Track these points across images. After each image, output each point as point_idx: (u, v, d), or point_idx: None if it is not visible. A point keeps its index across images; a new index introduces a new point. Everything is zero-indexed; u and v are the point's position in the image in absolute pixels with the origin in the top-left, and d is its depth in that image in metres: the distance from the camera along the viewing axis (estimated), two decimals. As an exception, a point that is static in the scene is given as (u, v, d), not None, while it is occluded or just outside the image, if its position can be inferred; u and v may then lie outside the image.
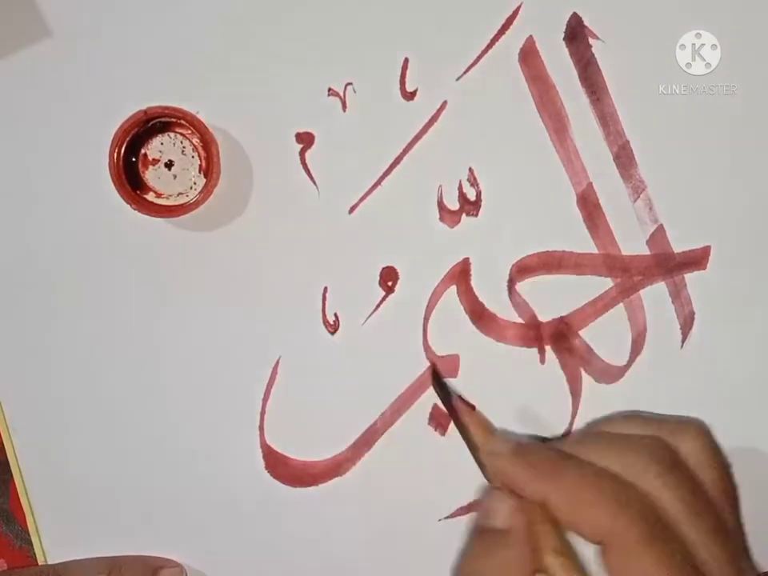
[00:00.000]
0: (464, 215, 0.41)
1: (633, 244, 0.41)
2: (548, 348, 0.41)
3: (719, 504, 0.32)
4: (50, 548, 0.43)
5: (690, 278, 0.41)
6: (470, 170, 0.41)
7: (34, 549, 0.43)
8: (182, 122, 0.40)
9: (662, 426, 0.33)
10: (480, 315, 0.41)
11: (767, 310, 0.41)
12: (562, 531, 0.31)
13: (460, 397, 0.39)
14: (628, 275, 0.41)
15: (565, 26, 0.40)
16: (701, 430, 0.33)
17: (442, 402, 0.40)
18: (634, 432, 0.33)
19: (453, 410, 0.38)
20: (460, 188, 0.41)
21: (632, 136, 0.41)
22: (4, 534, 0.43)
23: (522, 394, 0.41)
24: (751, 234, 0.41)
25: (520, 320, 0.41)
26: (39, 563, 0.42)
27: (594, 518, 0.30)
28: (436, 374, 0.41)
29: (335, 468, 0.42)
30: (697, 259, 0.41)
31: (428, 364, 0.41)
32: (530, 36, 0.40)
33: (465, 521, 0.41)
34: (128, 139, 0.40)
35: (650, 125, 0.40)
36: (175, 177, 0.41)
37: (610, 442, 0.33)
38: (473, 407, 0.39)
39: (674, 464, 0.32)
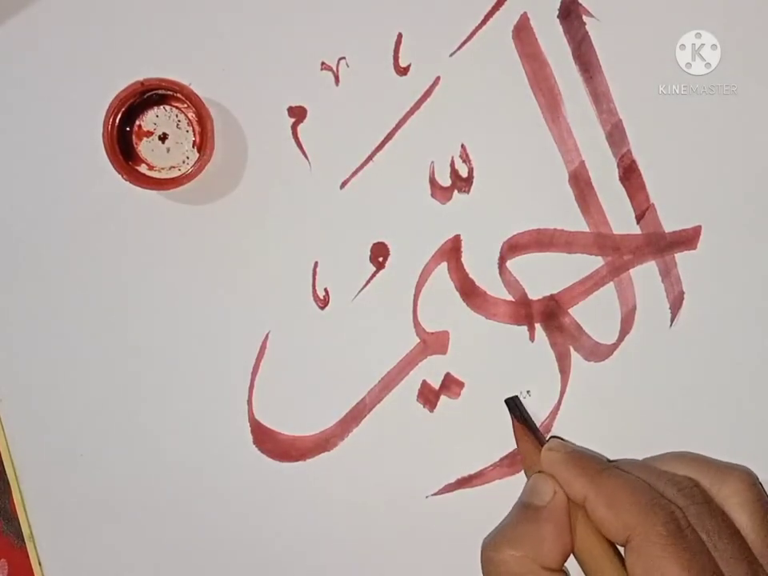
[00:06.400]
0: (456, 192, 0.41)
1: (624, 223, 0.41)
2: (538, 326, 0.41)
3: (757, 548, 0.32)
4: (45, 546, 0.43)
5: (681, 257, 0.41)
6: (462, 146, 0.41)
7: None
8: (179, 95, 0.40)
9: (710, 466, 0.35)
10: (470, 292, 0.41)
11: (757, 291, 0.41)
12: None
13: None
14: (618, 254, 0.41)
15: (559, 3, 0.40)
16: (747, 474, 0.34)
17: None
18: (680, 471, 0.34)
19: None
20: (452, 164, 0.41)
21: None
22: (4, 534, 0.43)
23: (512, 371, 0.41)
24: (742, 215, 0.41)
25: (510, 297, 0.41)
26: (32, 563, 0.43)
27: (622, 516, 0.31)
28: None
29: (323, 443, 0.42)
30: (688, 239, 0.41)
31: (418, 340, 0.41)
32: (524, 13, 0.40)
33: (452, 497, 0.41)
34: (123, 110, 0.40)
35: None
36: (168, 150, 0.41)
37: (648, 470, 0.34)
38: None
39: (705, 500, 0.33)
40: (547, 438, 0.40)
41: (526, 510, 0.34)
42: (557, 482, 0.34)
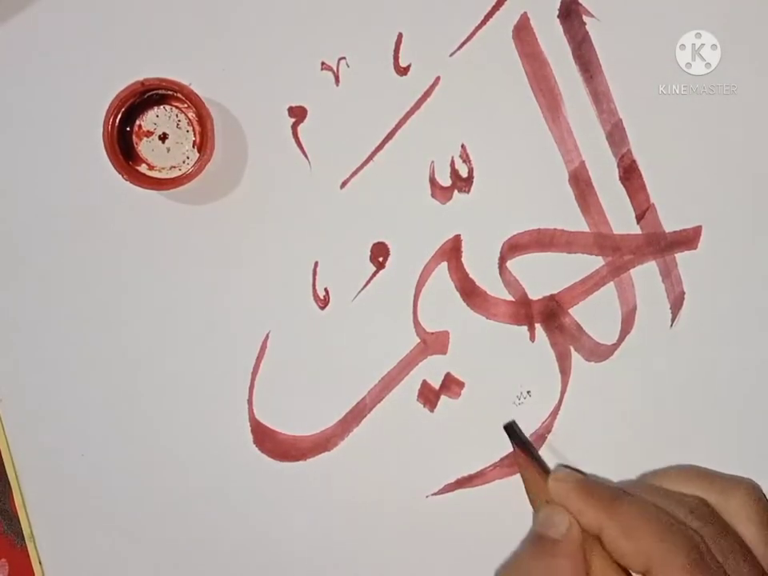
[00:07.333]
0: (456, 192, 0.41)
1: (624, 223, 0.41)
2: (538, 326, 0.41)
3: (766, 562, 0.32)
4: (45, 546, 0.43)
5: (681, 257, 0.41)
6: (463, 146, 0.41)
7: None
8: (179, 95, 0.40)
9: (715, 480, 0.34)
10: (470, 292, 0.41)
11: (757, 290, 0.41)
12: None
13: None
14: (619, 254, 0.41)
15: (559, 3, 0.40)
16: (753, 487, 0.34)
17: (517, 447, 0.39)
18: (686, 488, 0.34)
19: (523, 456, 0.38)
20: (452, 164, 0.41)
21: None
22: (5, 534, 0.43)
23: (512, 371, 0.41)
24: (742, 215, 0.41)
25: (510, 297, 0.41)
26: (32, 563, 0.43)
27: (642, 546, 0.31)
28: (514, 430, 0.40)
29: (323, 443, 0.42)
30: (688, 239, 0.41)
31: (418, 340, 0.41)
32: (524, 13, 0.40)
33: (452, 497, 0.41)
34: (124, 109, 0.40)
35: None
36: (168, 150, 0.41)
37: (655, 492, 0.34)
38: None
39: (716, 519, 0.32)
40: (551, 465, 0.40)
41: (541, 542, 0.33)
42: (569, 512, 0.34)
